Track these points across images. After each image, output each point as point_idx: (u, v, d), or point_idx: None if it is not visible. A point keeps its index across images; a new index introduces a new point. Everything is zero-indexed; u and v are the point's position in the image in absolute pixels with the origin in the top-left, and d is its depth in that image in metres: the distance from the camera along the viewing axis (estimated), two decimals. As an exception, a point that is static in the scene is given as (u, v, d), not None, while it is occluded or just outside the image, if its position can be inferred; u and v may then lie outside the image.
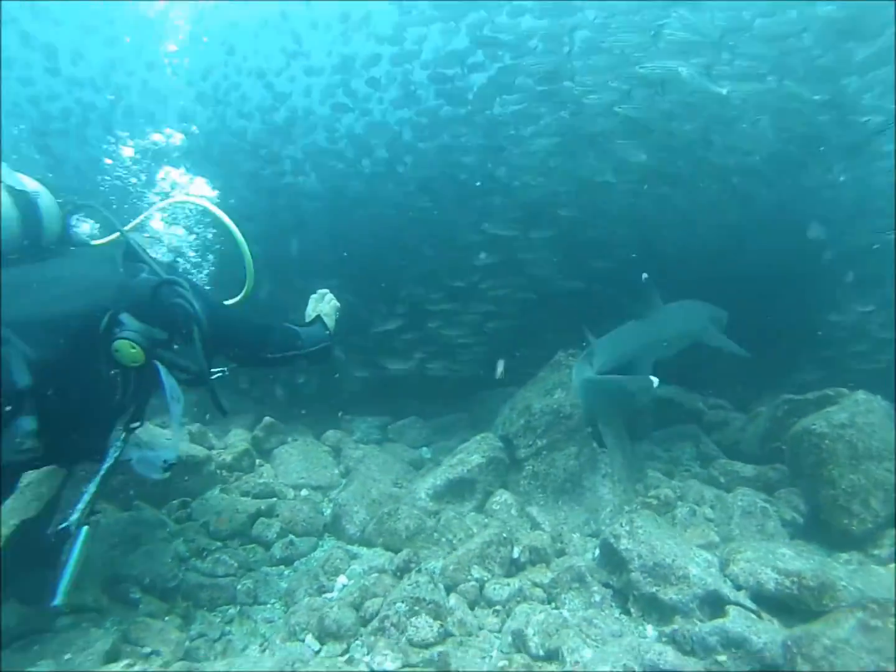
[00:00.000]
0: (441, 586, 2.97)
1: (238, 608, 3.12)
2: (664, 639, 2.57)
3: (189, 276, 3.15)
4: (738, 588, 2.76)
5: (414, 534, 3.51)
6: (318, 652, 2.61)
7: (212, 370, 2.87)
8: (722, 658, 2.34)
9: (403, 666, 2.39)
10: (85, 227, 2.96)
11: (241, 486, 4.20)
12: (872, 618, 2.11)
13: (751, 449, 4.74)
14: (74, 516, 2.40)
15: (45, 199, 2.65)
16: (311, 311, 3.43)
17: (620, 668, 2.08)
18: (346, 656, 2.56)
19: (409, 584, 2.81)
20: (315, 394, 5.87)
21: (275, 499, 4.09)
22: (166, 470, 2.71)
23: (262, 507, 3.81)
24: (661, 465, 4.57)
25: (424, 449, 5.14)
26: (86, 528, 2.38)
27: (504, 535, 3.24)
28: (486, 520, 3.87)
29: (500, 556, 3.17)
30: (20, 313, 2.19)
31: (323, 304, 3.46)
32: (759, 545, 3.04)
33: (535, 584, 3.08)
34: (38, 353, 2.16)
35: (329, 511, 4.04)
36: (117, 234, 2.97)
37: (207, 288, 3.24)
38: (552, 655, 2.47)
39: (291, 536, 3.69)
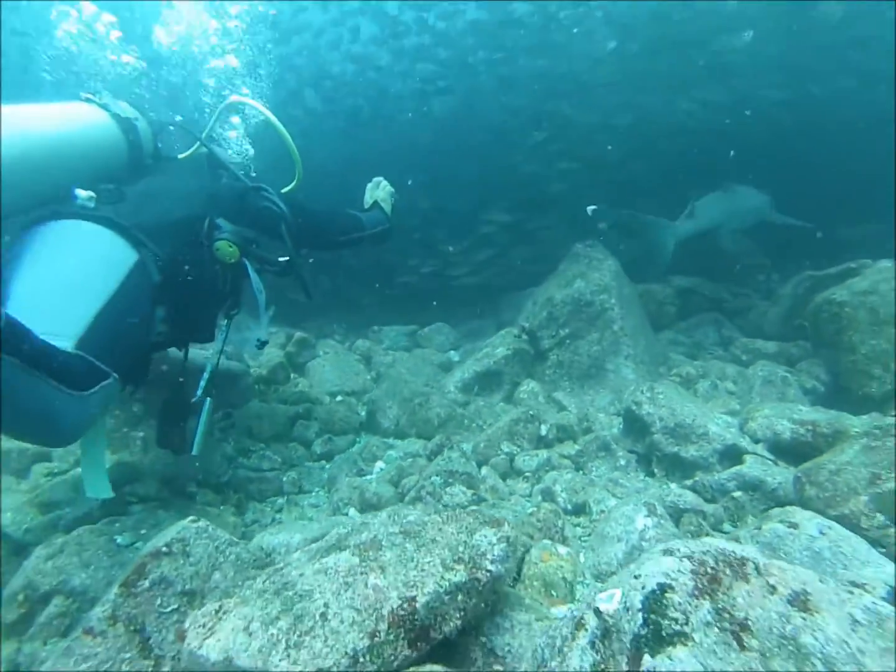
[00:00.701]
0: (473, 462, 3.16)
1: (286, 497, 3.33)
2: (685, 489, 2.72)
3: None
4: (756, 441, 2.88)
5: (445, 421, 3.68)
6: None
7: (279, 259, 3.17)
8: (738, 494, 2.48)
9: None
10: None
11: (278, 396, 4.41)
12: (874, 440, 2.22)
13: (773, 329, 4.79)
14: (199, 391, 2.85)
15: (142, 122, 2.95)
16: (368, 199, 3.76)
17: (643, 505, 2.22)
18: (388, 523, 2.77)
19: (442, 460, 2.99)
20: (345, 304, 6.04)
21: (309, 404, 4.30)
22: (260, 347, 3.11)
23: (301, 411, 4.00)
24: (683, 350, 4.67)
25: (453, 352, 5.29)
26: (209, 399, 2.81)
27: (531, 413, 3.38)
28: (515, 407, 4.03)
29: (528, 433, 3.32)
30: (144, 221, 2.52)
31: (378, 191, 3.78)
32: (778, 404, 3.14)
33: (563, 456, 3.24)
34: (162, 254, 2.52)
35: (364, 411, 4.23)
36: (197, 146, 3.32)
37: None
38: (579, 509, 2.64)
39: (329, 435, 3.90)
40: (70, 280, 2.22)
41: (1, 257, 2.26)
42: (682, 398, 3.13)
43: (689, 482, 2.74)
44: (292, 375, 4.87)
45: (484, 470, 3.05)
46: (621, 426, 3.31)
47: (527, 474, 3.04)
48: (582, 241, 4.69)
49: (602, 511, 2.52)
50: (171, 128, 3.28)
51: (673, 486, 2.88)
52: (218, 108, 3.44)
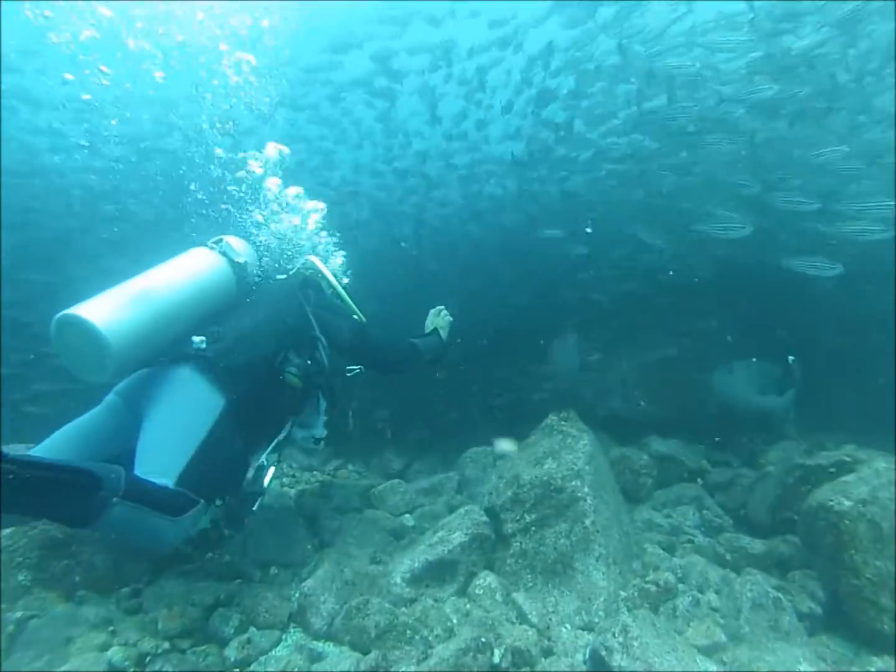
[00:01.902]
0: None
1: None
2: None
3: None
4: (751, 717, 2.39)
5: (384, 631, 3.13)
6: None
7: (349, 368, 4.05)
8: None
9: None
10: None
11: (203, 566, 3.85)
12: None
13: (759, 515, 4.36)
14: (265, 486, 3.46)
15: (251, 260, 3.71)
16: (429, 324, 4.38)
17: None
18: None
19: (369, 709, 2.46)
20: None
21: (239, 580, 3.74)
22: (316, 444, 3.76)
23: (222, 596, 3.44)
24: (661, 537, 4.20)
25: (407, 516, 4.76)
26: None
27: (483, 639, 2.86)
28: (467, 605, 3.50)
29: (478, 664, 2.79)
30: (233, 363, 3.12)
31: (438, 319, 4.39)
32: (776, 658, 2.67)
33: (518, 702, 2.71)
34: (243, 390, 3.11)
35: (297, 595, 3.66)
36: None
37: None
38: None
39: (252, 629, 3.32)
40: (173, 428, 2.87)
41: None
42: (661, 641, 2.65)
43: None
44: (227, 533, 4.33)
45: (419, 723, 2.50)
46: (586, 668, 2.79)
47: (471, 735, 2.50)
48: (556, 411, 4.32)
49: None
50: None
51: None
52: (298, 264, 4.09)
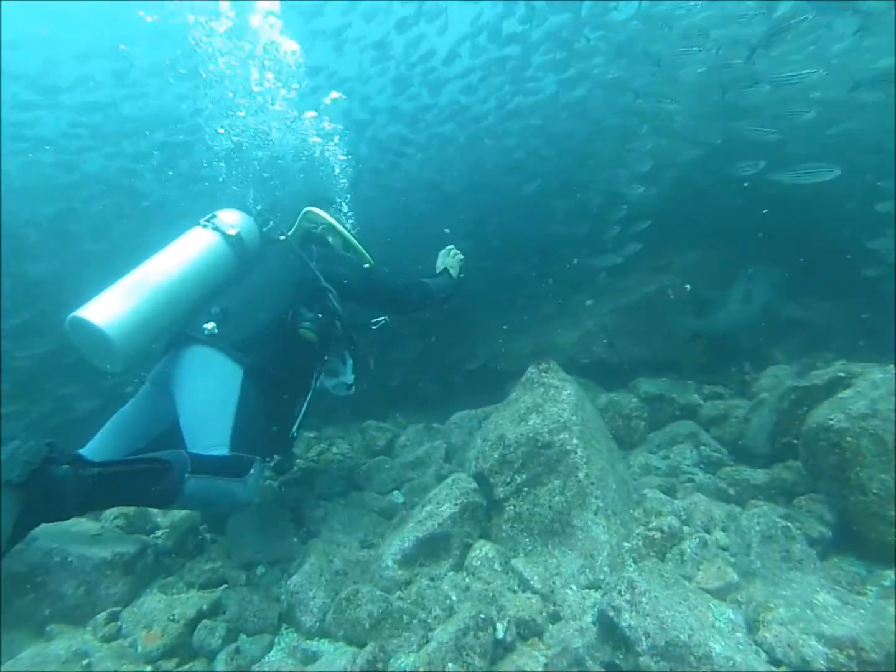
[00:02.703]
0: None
1: None
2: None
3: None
4: (777, 662, 2.21)
5: (379, 620, 2.92)
6: None
7: (374, 321, 4.18)
8: None
9: None
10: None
11: (184, 575, 3.62)
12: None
13: (758, 445, 4.19)
14: (294, 431, 3.65)
15: (247, 229, 3.75)
16: (440, 264, 4.43)
17: None
18: None
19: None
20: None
21: (224, 586, 3.52)
22: (348, 389, 3.90)
23: (205, 607, 3.21)
24: (659, 480, 4.02)
25: (396, 493, 4.55)
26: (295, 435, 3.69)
27: (482, 615, 2.66)
28: (466, 579, 3.30)
29: (480, 643, 2.59)
30: (243, 337, 3.34)
31: (449, 258, 4.45)
32: (792, 591, 2.50)
33: (526, 674, 2.52)
34: (258, 357, 3.32)
35: (285, 594, 3.44)
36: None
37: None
38: None
39: (242, 637, 3.10)
40: (207, 403, 3.14)
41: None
42: (671, 593, 2.46)
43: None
44: (209, 537, 4.10)
45: (423, 716, 2.30)
46: (596, 630, 2.60)
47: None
48: (535, 363, 4.09)
49: None
50: (271, 222, 3.98)
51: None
52: (299, 216, 4.19)
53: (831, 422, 3.23)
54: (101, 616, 3.19)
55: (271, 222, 4.00)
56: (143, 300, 3.10)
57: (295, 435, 3.66)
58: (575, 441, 3.49)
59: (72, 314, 2.98)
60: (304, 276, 3.67)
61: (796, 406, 3.86)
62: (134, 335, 3.05)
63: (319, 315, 3.58)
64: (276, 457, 3.62)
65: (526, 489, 3.55)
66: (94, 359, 3.18)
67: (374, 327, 4.18)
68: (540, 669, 2.50)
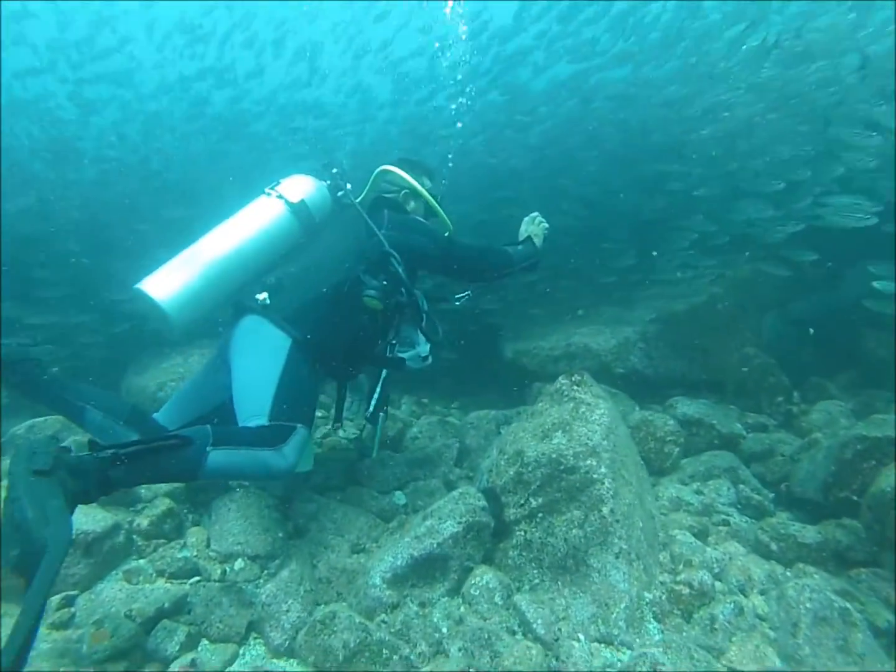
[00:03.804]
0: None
1: None
2: None
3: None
4: None
5: (354, 653, 2.54)
6: None
7: (457, 296, 4.10)
8: None
9: None
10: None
11: (155, 561, 3.30)
12: None
13: (808, 493, 3.70)
14: (372, 408, 3.73)
15: (316, 196, 3.63)
16: (523, 231, 4.17)
17: None
18: None
19: None
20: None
21: (196, 578, 3.19)
22: (424, 360, 3.67)
23: (167, 605, 2.87)
24: (691, 520, 3.55)
25: (398, 493, 4.15)
26: (382, 414, 3.82)
27: (472, 670, 2.26)
28: (461, 609, 2.91)
29: (466, 705, 2.21)
30: (296, 308, 3.32)
31: (532, 226, 4.17)
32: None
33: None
34: (312, 328, 3.29)
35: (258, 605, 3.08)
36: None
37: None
38: None
39: (203, 643, 2.77)
40: (254, 373, 3.16)
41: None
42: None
43: None
44: (191, 518, 3.77)
45: None
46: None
47: None
48: (567, 373, 3.64)
49: None
50: (349, 186, 3.76)
51: None
52: (372, 175, 3.99)
53: (909, 490, 2.74)
54: (55, 599, 2.88)
55: (348, 186, 3.79)
56: (199, 275, 3.19)
57: (371, 412, 3.72)
58: (603, 470, 3.06)
59: (135, 285, 3.15)
60: (367, 244, 3.50)
61: (861, 459, 3.36)
62: (189, 308, 3.16)
63: (384, 283, 3.41)
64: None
65: (541, 515, 3.13)
66: (155, 324, 3.29)
67: (457, 303, 4.05)
68: (533, 748, 2.10)
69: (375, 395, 3.72)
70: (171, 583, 3.17)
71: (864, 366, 5.83)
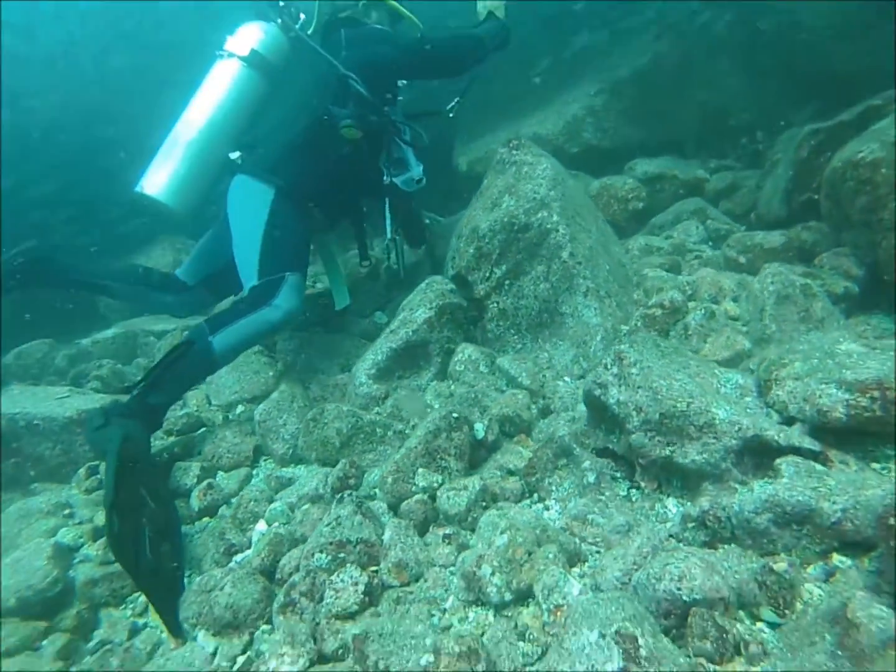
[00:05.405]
0: (381, 506, 2.19)
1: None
2: (690, 524, 1.73)
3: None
4: (790, 420, 1.87)
5: (350, 437, 2.65)
6: (214, 654, 1.85)
7: (448, 106, 3.80)
8: (775, 534, 1.50)
9: (308, 666, 1.60)
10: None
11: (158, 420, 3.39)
12: None
13: (773, 209, 3.66)
14: (388, 235, 3.61)
15: (269, 40, 3.47)
16: (480, 9, 3.94)
17: (614, 637, 1.22)
18: (246, 655, 1.80)
19: (326, 525, 2.00)
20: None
21: (203, 429, 3.28)
22: (419, 183, 3.47)
23: (176, 449, 3.00)
24: (662, 259, 3.56)
25: (378, 313, 4.18)
26: (398, 237, 3.78)
27: (455, 414, 2.34)
28: (451, 386, 3.01)
29: (455, 445, 2.30)
30: (274, 158, 3.32)
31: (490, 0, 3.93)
32: (810, 345, 2.10)
33: (509, 472, 2.24)
34: (294, 171, 3.28)
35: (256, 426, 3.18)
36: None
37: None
38: (522, 597, 1.65)
39: (220, 474, 2.87)
40: (242, 232, 3.23)
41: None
42: (668, 361, 2.08)
43: (694, 508, 1.73)
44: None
45: (391, 527, 2.04)
46: (586, 415, 2.27)
47: (447, 529, 2.02)
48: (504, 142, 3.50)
49: (557, 608, 1.52)
50: (302, 16, 3.55)
51: (671, 505, 1.89)
52: None
53: (861, 154, 2.66)
54: (82, 471, 3.01)
55: (301, 16, 3.58)
56: (182, 159, 3.29)
57: (393, 238, 3.66)
58: (555, 218, 3.01)
59: (134, 189, 3.31)
60: (328, 73, 3.33)
61: (818, 153, 3.28)
62: (185, 193, 3.32)
63: (353, 108, 3.29)
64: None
65: (508, 282, 3.14)
66: (164, 212, 3.40)
67: (451, 114, 3.83)
68: (523, 465, 2.21)
69: (387, 222, 3.60)
70: (178, 438, 3.25)
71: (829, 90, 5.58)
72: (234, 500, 2.63)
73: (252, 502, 2.47)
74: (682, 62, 5.29)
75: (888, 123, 2.76)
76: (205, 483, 2.73)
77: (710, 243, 3.87)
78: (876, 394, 1.66)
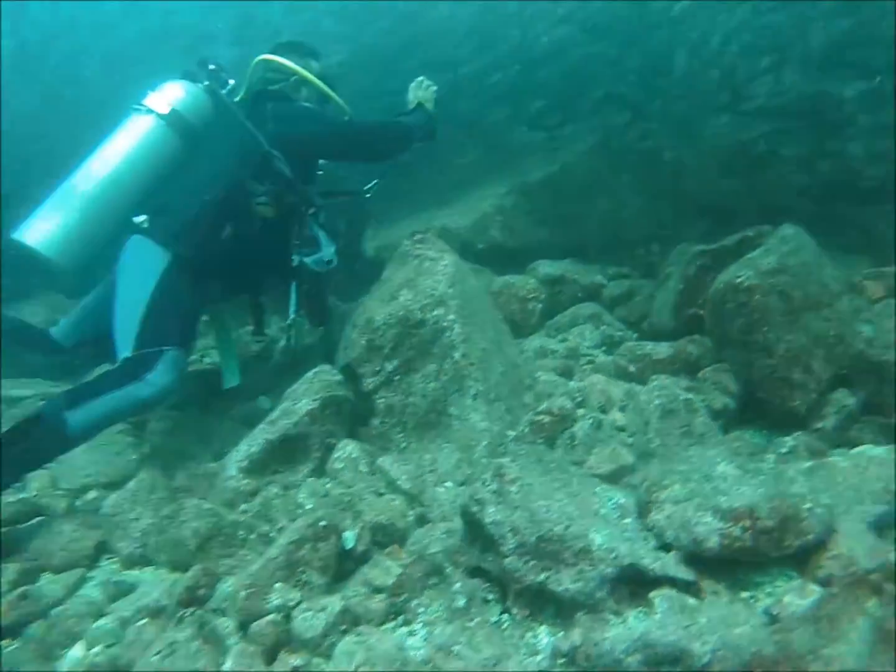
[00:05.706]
0: (228, 627, 1.92)
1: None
2: (560, 660, 1.59)
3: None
4: (667, 547, 1.80)
5: (208, 538, 2.37)
6: None
7: (366, 187, 3.93)
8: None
9: None
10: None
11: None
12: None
13: (663, 321, 3.79)
14: (291, 315, 3.40)
15: (191, 101, 3.34)
16: (412, 98, 3.94)
17: None
18: None
19: (156, 654, 1.72)
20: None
21: (39, 518, 2.87)
22: (329, 264, 3.37)
23: (-3, 540, 2.59)
24: (555, 363, 3.55)
25: (262, 398, 3.93)
26: (297, 319, 3.47)
27: (322, 522, 2.14)
28: (327, 485, 2.79)
29: (319, 556, 2.08)
30: (178, 222, 3.20)
31: (421, 91, 3.96)
32: (689, 465, 2.08)
33: (375, 590, 2.04)
34: (198, 240, 3.19)
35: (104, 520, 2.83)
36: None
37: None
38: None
39: (45, 577, 2.48)
40: (127, 299, 3.05)
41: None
42: (549, 479, 1.99)
43: (566, 643, 1.60)
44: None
45: (234, 654, 1.78)
46: (463, 530, 2.13)
47: (304, 651, 1.79)
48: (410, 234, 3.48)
49: None
50: (231, 82, 3.51)
51: (543, 635, 1.75)
52: (251, 65, 3.58)
53: (740, 279, 2.82)
54: None
55: (230, 82, 3.52)
56: (76, 210, 3.05)
57: (291, 323, 3.45)
58: (451, 317, 2.96)
59: (10, 236, 3.02)
60: (249, 146, 3.25)
61: (704, 271, 3.44)
62: (71, 248, 3.05)
63: (272, 186, 3.21)
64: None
65: (398, 377, 3.02)
66: (43, 266, 3.10)
67: (367, 195, 3.91)
68: (391, 583, 2.02)
69: (291, 301, 3.41)
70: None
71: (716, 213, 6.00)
72: (54, 612, 2.25)
73: (72, 619, 2.11)
74: (589, 173, 5.58)
75: (760, 254, 2.94)
76: (19, 591, 2.33)
77: (604, 348, 3.91)
78: (747, 523, 1.65)
